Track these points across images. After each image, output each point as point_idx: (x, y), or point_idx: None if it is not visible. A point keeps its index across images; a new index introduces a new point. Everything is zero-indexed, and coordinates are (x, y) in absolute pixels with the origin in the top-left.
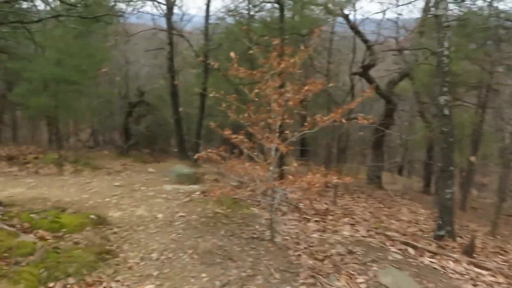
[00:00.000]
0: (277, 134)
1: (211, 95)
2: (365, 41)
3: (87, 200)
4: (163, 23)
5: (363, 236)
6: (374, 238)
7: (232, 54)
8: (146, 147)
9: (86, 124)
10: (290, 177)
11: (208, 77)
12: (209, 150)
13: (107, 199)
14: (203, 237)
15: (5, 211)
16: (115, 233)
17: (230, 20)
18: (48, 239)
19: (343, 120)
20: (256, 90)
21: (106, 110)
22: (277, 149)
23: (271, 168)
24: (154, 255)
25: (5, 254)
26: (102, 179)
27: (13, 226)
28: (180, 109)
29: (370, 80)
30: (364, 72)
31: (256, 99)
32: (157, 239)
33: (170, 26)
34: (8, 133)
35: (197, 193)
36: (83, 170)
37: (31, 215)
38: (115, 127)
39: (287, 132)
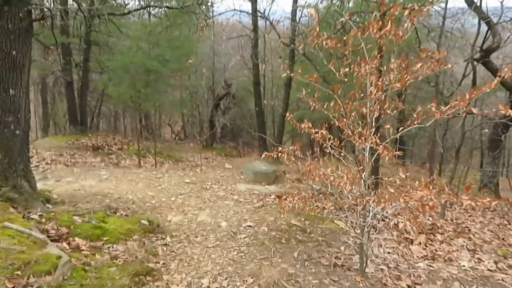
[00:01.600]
0: (373, 130)
1: (298, 77)
2: (486, 19)
3: (150, 198)
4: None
5: (489, 270)
6: (507, 273)
7: (311, 10)
8: (231, 140)
9: (178, 116)
10: (391, 190)
11: (294, 65)
12: (281, 148)
13: (172, 198)
14: (270, 259)
15: (48, 212)
16: (166, 244)
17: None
18: (82, 250)
19: (474, 111)
20: (346, 70)
21: (195, 102)
22: (372, 150)
23: (363, 175)
24: (204, 282)
25: (17, 272)
26: (174, 174)
27: (46, 231)
28: (264, 102)
29: (492, 67)
30: (486, 56)
31: (345, 80)
32: (214, 257)
33: (255, 9)
34: (107, 123)
35: (272, 196)
36: (164, 163)
37: (74, 217)
38: (203, 120)
39: (387, 126)
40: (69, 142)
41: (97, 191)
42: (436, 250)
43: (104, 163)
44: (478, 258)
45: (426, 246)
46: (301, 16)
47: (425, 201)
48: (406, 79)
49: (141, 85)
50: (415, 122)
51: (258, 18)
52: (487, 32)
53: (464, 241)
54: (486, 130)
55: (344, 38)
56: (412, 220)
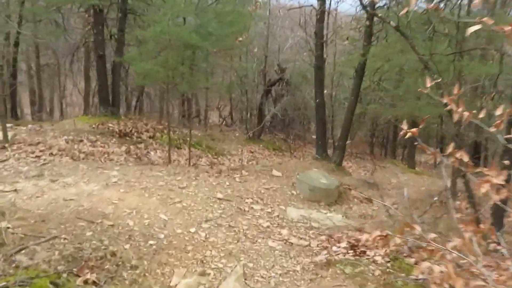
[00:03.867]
0: None
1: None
2: None
3: (160, 227)
4: None
5: None
6: None
7: None
8: (281, 132)
9: (227, 100)
10: None
11: (370, 46)
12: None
13: (192, 229)
14: None
15: None
16: None
17: None
18: None
19: None
20: None
21: (243, 87)
22: None
23: None
24: None
25: None
26: (204, 183)
27: None
28: (325, 91)
29: None
30: None
31: None
32: None
33: None
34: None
35: (343, 244)
36: (200, 157)
37: None
38: (252, 108)
39: None
40: (94, 126)
41: (90, 207)
42: None
43: (126, 155)
44: None
45: None
46: None
47: None
48: None
49: (176, 62)
50: None
51: None
52: None
53: None
54: None
55: None
56: None
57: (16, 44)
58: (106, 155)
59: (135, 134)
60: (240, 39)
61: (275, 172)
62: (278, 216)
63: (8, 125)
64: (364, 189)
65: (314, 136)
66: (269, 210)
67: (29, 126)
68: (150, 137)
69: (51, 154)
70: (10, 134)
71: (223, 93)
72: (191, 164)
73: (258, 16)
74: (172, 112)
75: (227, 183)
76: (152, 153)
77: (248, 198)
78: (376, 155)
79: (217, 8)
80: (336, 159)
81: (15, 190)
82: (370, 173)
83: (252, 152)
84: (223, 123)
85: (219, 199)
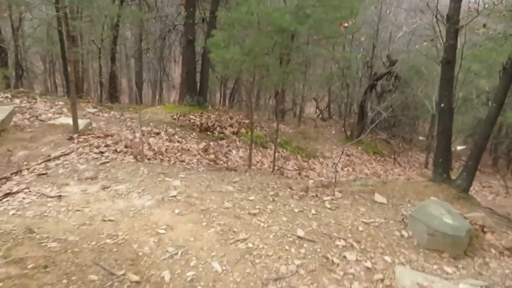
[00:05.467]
0: None
1: None
2: None
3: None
4: None
5: None
6: None
7: None
8: (383, 132)
9: (323, 92)
10: None
11: None
12: None
13: None
14: None
15: None
16: None
17: None
18: None
19: None
20: None
21: (345, 80)
22: None
23: None
24: None
25: None
26: (283, 208)
27: None
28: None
29: None
30: None
31: None
32: None
33: None
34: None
35: None
36: (288, 160)
37: None
38: (352, 103)
39: None
40: (175, 117)
41: (124, 240)
42: None
43: (202, 154)
44: None
45: None
46: None
47: None
48: None
49: (263, 50)
50: None
51: None
52: None
53: None
54: None
55: None
56: None
57: (116, 26)
58: (178, 154)
59: (218, 128)
60: (346, 25)
61: (377, 197)
62: (382, 280)
63: (92, 110)
64: (502, 229)
65: (421, 138)
66: (369, 264)
67: (111, 113)
68: (233, 133)
69: (115, 151)
70: (84, 122)
71: (322, 84)
72: (275, 169)
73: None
74: (263, 104)
75: (313, 211)
76: (233, 152)
77: (339, 239)
78: (500, 167)
79: None
80: (462, 184)
81: (59, 197)
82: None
83: (348, 156)
84: (319, 116)
85: (300, 238)
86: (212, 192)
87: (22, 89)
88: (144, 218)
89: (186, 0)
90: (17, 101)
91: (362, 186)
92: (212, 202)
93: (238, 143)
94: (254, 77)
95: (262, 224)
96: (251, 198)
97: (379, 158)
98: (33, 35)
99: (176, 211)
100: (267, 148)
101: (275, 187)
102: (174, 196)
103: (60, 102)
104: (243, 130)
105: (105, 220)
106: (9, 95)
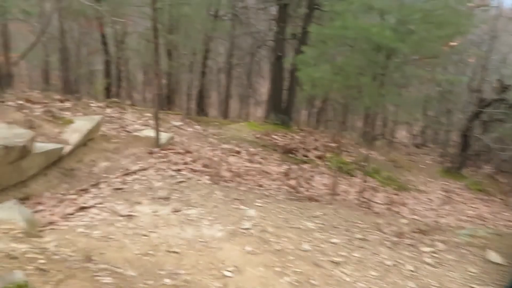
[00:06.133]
0: None
1: None
2: None
3: None
4: None
5: None
6: None
7: None
8: (488, 165)
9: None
10: None
11: None
12: None
13: None
14: None
15: None
16: None
17: None
18: None
19: None
20: None
21: (445, 105)
22: None
23: None
24: None
25: None
26: (372, 259)
27: None
28: None
29: None
30: None
31: None
32: None
33: None
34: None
35: None
36: (376, 191)
37: None
38: (452, 129)
39: None
40: (258, 136)
41: (185, 283)
42: None
43: (283, 179)
44: None
45: None
46: None
47: None
48: None
49: (358, 70)
50: None
51: None
52: None
53: None
54: None
55: None
56: None
57: (209, 41)
58: (257, 177)
59: (301, 151)
60: (452, 44)
61: (491, 255)
62: None
63: (177, 123)
64: None
65: None
66: None
67: (195, 127)
68: (318, 157)
69: (192, 170)
70: (167, 136)
71: (417, 108)
72: (362, 201)
73: (479, 17)
74: (351, 126)
75: (409, 267)
76: (316, 178)
77: None
78: None
79: (424, 4)
80: None
81: (129, 217)
82: None
83: (447, 192)
84: (413, 143)
85: None
86: (289, 228)
87: (115, 99)
88: (211, 254)
89: (278, 16)
90: (109, 110)
91: (470, 237)
92: (288, 241)
93: (322, 168)
94: (344, 98)
95: (346, 278)
96: (334, 240)
97: (484, 197)
98: (133, 47)
99: (248, 248)
100: (353, 177)
101: (363, 227)
102: (247, 229)
103: (148, 114)
104: (328, 155)
105: (169, 252)
106: (102, 105)
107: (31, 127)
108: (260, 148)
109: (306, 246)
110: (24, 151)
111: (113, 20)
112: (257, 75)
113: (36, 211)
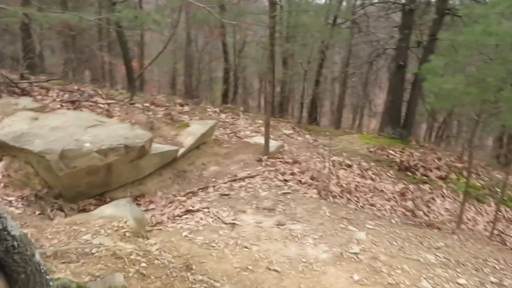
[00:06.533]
0: None
1: None
2: None
3: None
4: None
5: None
6: None
7: None
8: None
9: None
10: None
11: None
12: None
13: None
14: None
15: None
16: None
17: None
18: None
19: None
20: None
21: None
22: None
23: None
24: None
25: None
26: None
27: None
28: None
29: None
30: None
31: None
32: None
33: None
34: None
35: None
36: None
37: None
38: None
39: None
40: (371, 149)
41: None
42: None
43: (398, 199)
44: None
45: None
46: None
47: None
48: None
49: (499, 81)
50: None
51: None
52: None
53: None
54: None
55: None
56: None
57: (325, 49)
58: (369, 195)
59: (421, 170)
60: None
61: None
62: None
63: (288, 131)
64: None
65: None
66: None
67: (305, 136)
68: (440, 178)
69: (299, 181)
70: (277, 144)
71: None
72: (495, 234)
73: None
74: (479, 145)
75: None
76: (437, 201)
77: None
78: None
79: None
80: None
81: (233, 225)
82: None
83: None
84: None
85: None
86: (405, 258)
87: (229, 105)
88: (314, 278)
89: (402, 22)
90: (223, 116)
91: None
92: (404, 274)
93: (444, 191)
94: (478, 113)
95: None
96: (461, 281)
97: None
98: (251, 55)
99: (355, 277)
100: (483, 203)
101: (497, 267)
102: (356, 254)
103: (260, 121)
104: (453, 176)
105: (269, 269)
106: (217, 110)
107: (151, 128)
108: (374, 163)
109: (425, 284)
110: (143, 151)
111: (234, 29)
112: (374, 85)
113: (147, 209)
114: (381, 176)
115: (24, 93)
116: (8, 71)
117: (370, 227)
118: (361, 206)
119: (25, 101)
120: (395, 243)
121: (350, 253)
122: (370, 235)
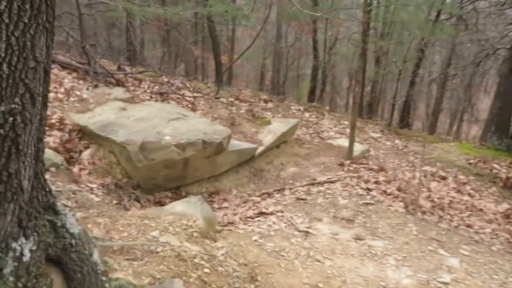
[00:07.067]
0: None
1: None
2: None
3: None
4: None
5: None
6: None
7: None
8: None
9: None
10: None
11: None
12: None
13: None
14: None
15: None
16: None
17: None
18: None
19: None
20: None
21: None
22: None
23: None
24: None
25: None
26: None
27: None
28: None
29: None
30: None
31: None
32: None
33: None
34: None
35: None
36: None
37: None
38: None
39: None
40: (471, 161)
41: None
42: None
43: (502, 222)
44: None
45: None
46: None
47: None
48: None
49: None
50: None
51: None
52: None
53: None
54: None
55: None
56: None
57: (424, 47)
58: (465, 214)
59: None
60: None
61: None
62: None
63: (375, 135)
64: None
65: None
66: None
67: (395, 141)
68: None
69: (383, 192)
70: (362, 148)
71: None
72: None
73: None
74: None
75: None
76: None
77: None
78: None
79: None
80: None
81: (306, 234)
82: None
83: None
84: None
85: None
86: None
87: (314, 103)
88: None
89: None
90: (307, 114)
91: None
92: None
93: None
94: None
95: None
96: None
97: None
98: (342, 52)
99: None
100: None
101: None
102: (446, 284)
103: (346, 121)
104: None
105: None
106: (301, 108)
107: (232, 124)
108: (473, 177)
109: None
110: (220, 148)
111: (326, 25)
112: (478, 88)
113: (221, 207)
114: (482, 193)
115: (119, 83)
116: (109, 62)
117: (465, 253)
118: (455, 227)
119: (118, 91)
120: (495, 276)
121: (439, 281)
122: (464, 263)
